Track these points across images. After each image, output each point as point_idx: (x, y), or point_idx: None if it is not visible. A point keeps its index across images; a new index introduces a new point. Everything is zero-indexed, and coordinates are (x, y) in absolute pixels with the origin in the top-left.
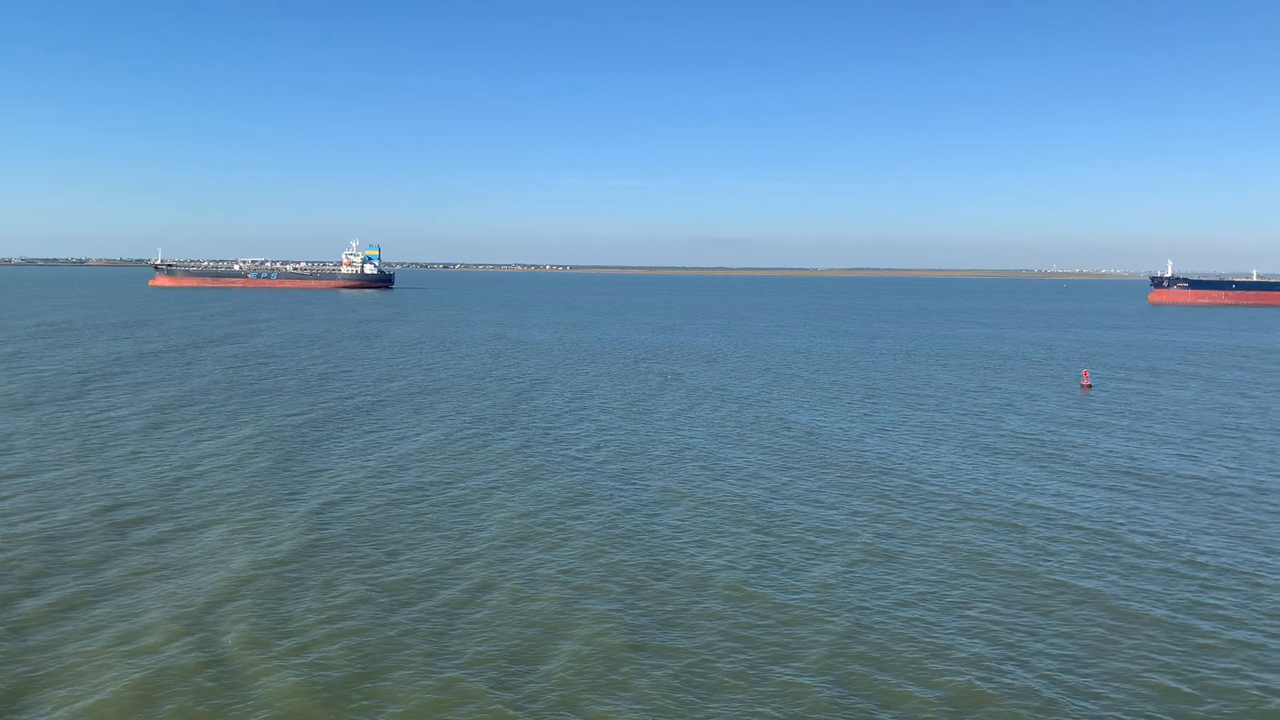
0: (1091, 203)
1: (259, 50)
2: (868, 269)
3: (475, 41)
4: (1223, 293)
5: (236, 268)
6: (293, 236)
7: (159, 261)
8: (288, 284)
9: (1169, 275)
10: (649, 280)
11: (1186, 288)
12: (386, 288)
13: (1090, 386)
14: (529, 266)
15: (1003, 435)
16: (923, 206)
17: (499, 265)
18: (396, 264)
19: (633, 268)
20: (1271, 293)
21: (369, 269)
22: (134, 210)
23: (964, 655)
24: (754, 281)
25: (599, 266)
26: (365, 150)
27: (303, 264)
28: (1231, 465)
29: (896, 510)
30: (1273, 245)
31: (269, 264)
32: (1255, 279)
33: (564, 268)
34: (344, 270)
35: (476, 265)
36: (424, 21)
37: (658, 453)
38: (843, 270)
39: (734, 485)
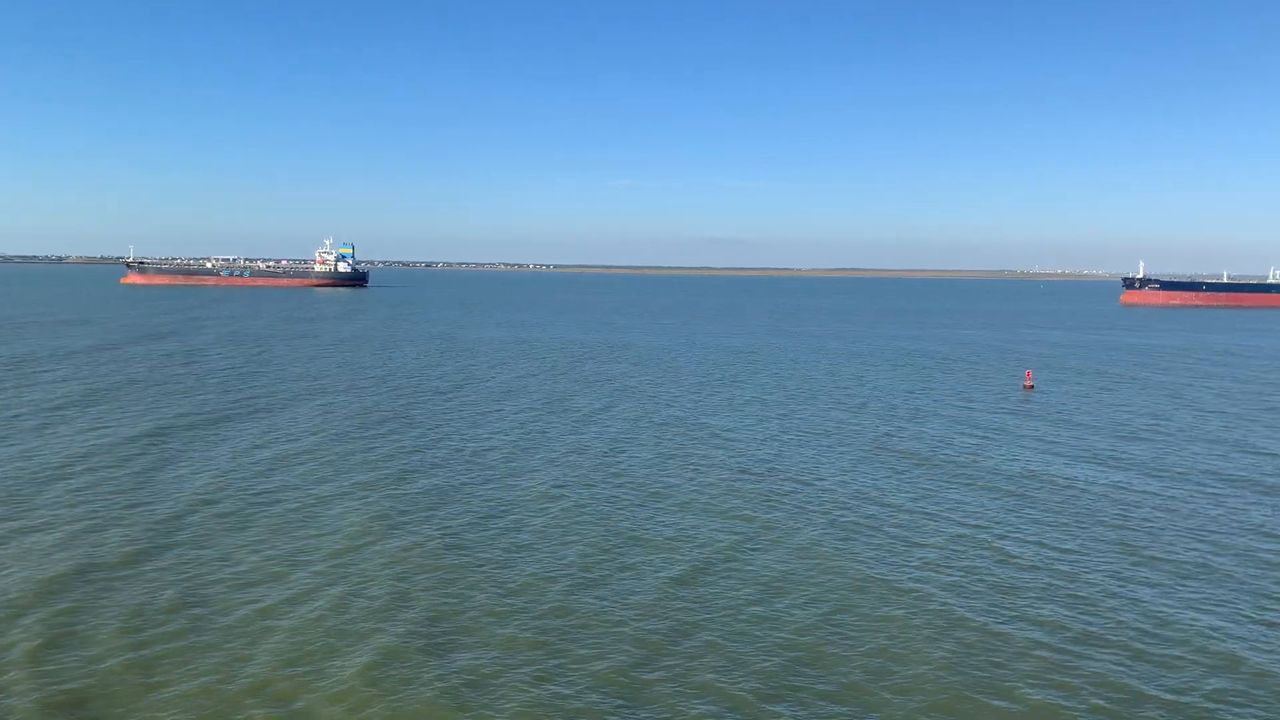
0: (1076, 205)
1: (240, 50)
2: (859, 269)
3: (465, 41)
4: (1193, 294)
5: (209, 265)
6: (269, 234)
7: (131, 259)
8: (260, 282)
9: (1140, 276)
10: (634, 280)
11: (1158, 289)
12: (360, 286)
13: (1032, 388)
14: (512, 265)
15: (910, 438)
16: (915, 208)
17: (483, 264)
18: (380, 262)
19: (622, 267)
20: (1241, 294)
21: (342, 267)
22: (115, 208)
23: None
24: (741, 281)
25: (587, 266)
26: (349, 149)
27: (276, 262)
28: (1125, 473)
29: (752, 511)
30: (1245, 247)
31: (242, 262)
32: (1226, 280)
33: (548, 267)
34: (317, 268)
35: (461, 264)
36: (414, 20)
37: (536, 454)
38: (834, 270)
39: (600, 487)
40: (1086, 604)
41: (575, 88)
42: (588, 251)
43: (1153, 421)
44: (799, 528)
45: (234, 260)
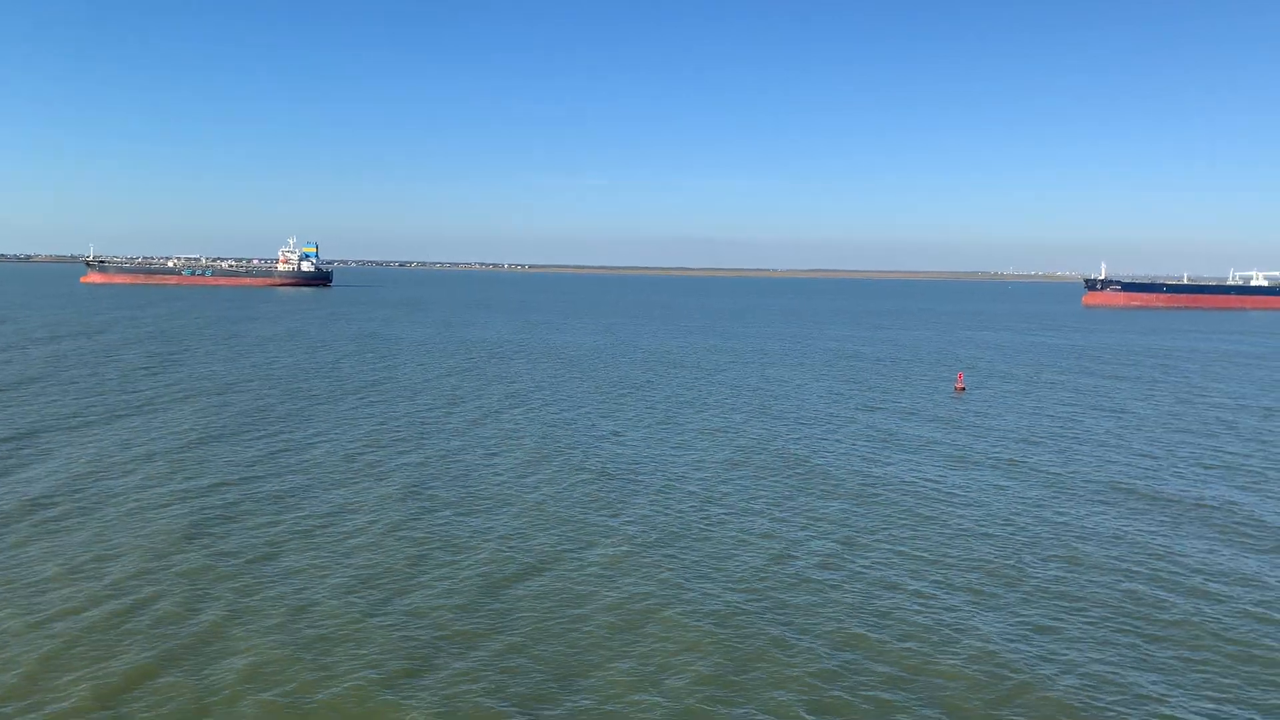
0: (1048, 206)
1: (209, 46)
2: (834, 270)
3: (438, 40)
4: (1154, 295)
5: (170, 264)
6: (237, 234)
7: (91, 257)
8: (223, 281)
9: (1102, 278)
10: (604, 279)
11: (1119, 290)
12: (324, 285)
13: (964, 389)
14: (487, 265)
15: (794, 442)
16: (891, 209)
17: (457, 264)
18: (354, 262)
19: (598, 267)
20: (1201, 295)
21: (306, 266)
22: (80, 205)
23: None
24: (711, 282)
25: (562, 266)
26: (320, 148)
27: (239, 261)
28: (1019, 481)
29: (576, 513)
30: (1211, 247)
31: (204, 261)
32: (1186, 282)
33: (523, 267)
34: (280, 268)
35: (435, 264)
36: (388, 18)
37: (385, 458)
38: (809, 271)
39: (436, 490)
40: (867, 606)
41: (550, 87)
42: (563, 252)
43: (1064, 425)
44: (613, 531)
45: (197, 259)
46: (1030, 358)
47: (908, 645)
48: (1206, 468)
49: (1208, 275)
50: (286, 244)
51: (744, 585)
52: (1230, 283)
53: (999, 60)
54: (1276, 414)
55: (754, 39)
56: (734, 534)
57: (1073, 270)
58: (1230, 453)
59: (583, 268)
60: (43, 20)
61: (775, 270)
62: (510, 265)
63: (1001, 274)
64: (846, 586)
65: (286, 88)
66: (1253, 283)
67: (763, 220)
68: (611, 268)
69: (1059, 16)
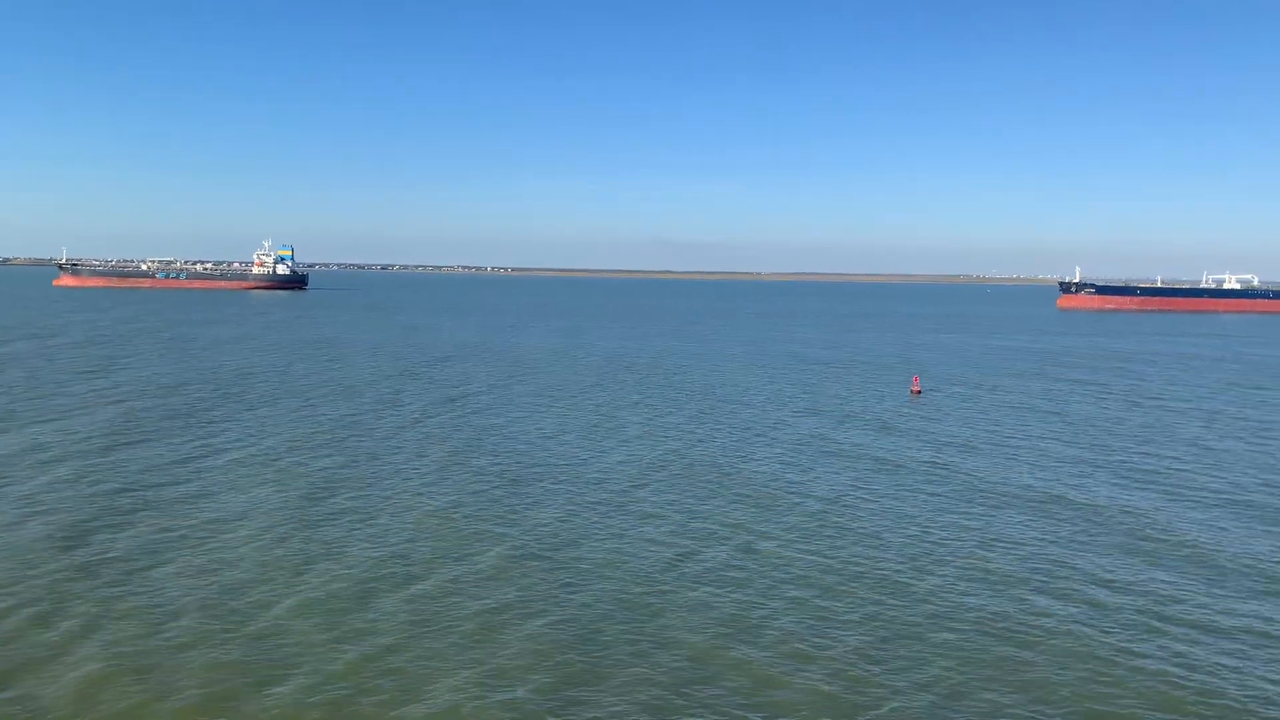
0: (1032, 210)
1: (191, 46)
2: (819, 273)
3: (423, 41)
4: (1128, 298)
5: (144, 268)
6: (214, 236)
7: (64, 260)
8: (198, 284)
9: (1077, 281)
10: (588, 283)
11: (1093, 293)
12: (299, 289)
13: (920, 392)
14: (471, 268)
15: (715, 447)
16: (876, 212)
17: (440, 267)
18: (335, 265)
19: (582, 270)
20: (1174, 298)
21: (281, 269)
22: (60, 209)
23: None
24: (691, 285)
25: (546, 269)
26: (302, 150)
27: (214, 264)
28: (940, 485)
29: (450, 516)
30: (1181, 250)
31: (178, 264)
32: (1160, 285)
33: (508, 270)
34: (255, 270)
35: (418, 267)
36: (371, 20)
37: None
38: (794, 274)
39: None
40: (746, 604)
41: (535, 90)
42: (548, 255)
43: (1006, 430)
44: (502, 538)
45: (171, 262)
46: (993, 361)
47: (767, 654)
48: (1132, 474)
49: (1182, 279)
50: (262, 246)
51: (616, 595)
52: (1203, 285)
53: (987, 63)
54: (1219, 418)
55: (743, 41)
56: (626, 542)
57: (1053, 274)
58: (1162, 458)
59: (567, 271)
60: (11, 18)
61: (760, 273)
62: (493, 268)
63: (984, 277)
64: (725, 595)
65: (267, 88)
66: (1225, 285)
67: (748, 224)
68: (596, 271)
69: (1045, 19)
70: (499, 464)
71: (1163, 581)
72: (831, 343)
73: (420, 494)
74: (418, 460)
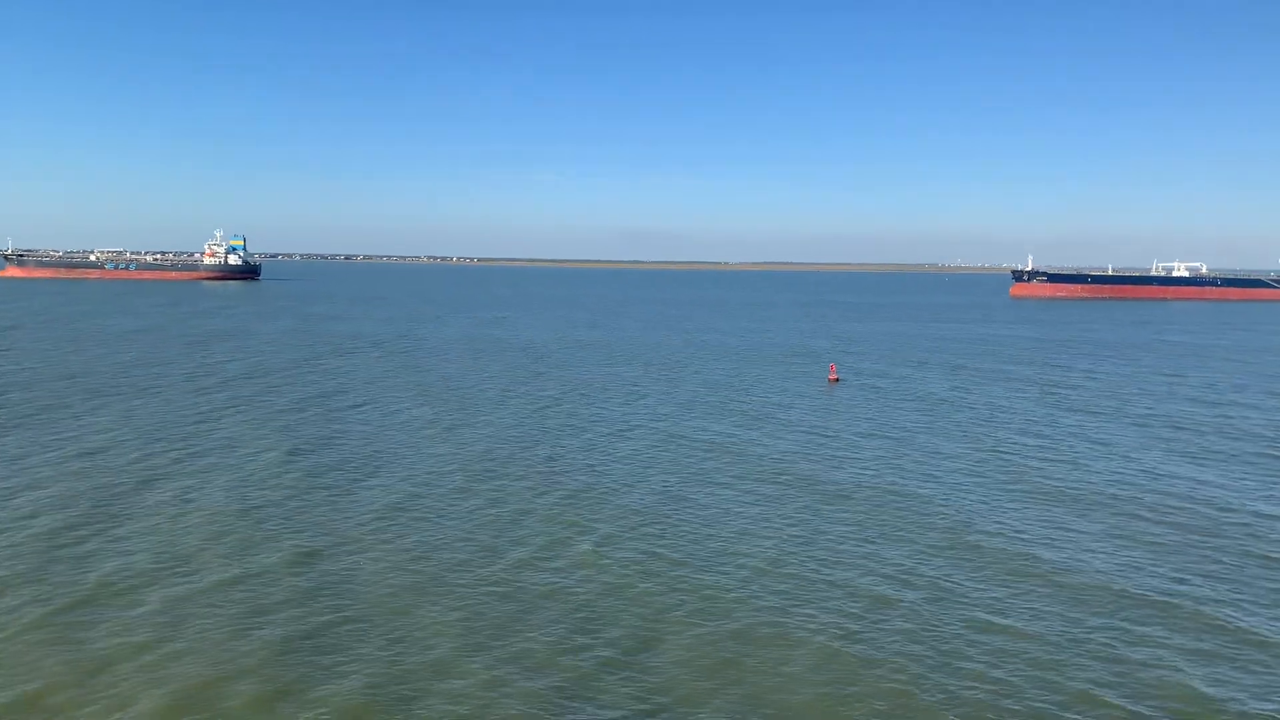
0: (993, 199)
1: (147, 28)
2: (783, 263)
3: (384, 30)
4: (1079, 286)
5: (93, 258)
6: (165, 226)
7: (9, 251)
8: (147, 275)
9: (1029, 269)
10: (546, 273)
11: (1045, 281)
12: (252, 279)
13: (837, 380)
14: (436, 258)
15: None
16: (843, 203)
17: (405, 257)
18: (298, 255)
19: (548, 260)
20: (1124, 286)
21: (233, 260)
22: (4, 199)
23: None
24: (656, 275)
25: (513, 259)
26: (265, 138)
27: (164, 255)
28: (788, 486)
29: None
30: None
31: (128, 255)
32: (1111, 273)
33: (473, 260)
34: (206, 261)
35: (382, 257)
36: (330, 8)
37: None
38: (759, 264)
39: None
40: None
41: (502, 79)
42: (516, 245)
43: (902, 423)
44: (279, 536)
45: (120, 253)
46: (925, 349)
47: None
48: (970, 469)
49: (1134, 266)
50: (213, 237)
51: (392, 600)
52: (1153, 273)
53: (947, 54)
54: (1124, 411)
55: (709, 31)
56: (423, 541)
57: (1013, 263)
58: (1046, 459)
59: (534, 261)
60: None
61: (728, 263)
62: (459, 258)
63: (946, 266)
64: (556, 598)
65: (228, 78)
66: (1174, 273)
67: (717, 214)
68: (561, 261)
69: (1003, 14)
70: (315, 458)
71: (931, 570)
72: (766, 331)
73: (210, 489)
74: (237, 454)
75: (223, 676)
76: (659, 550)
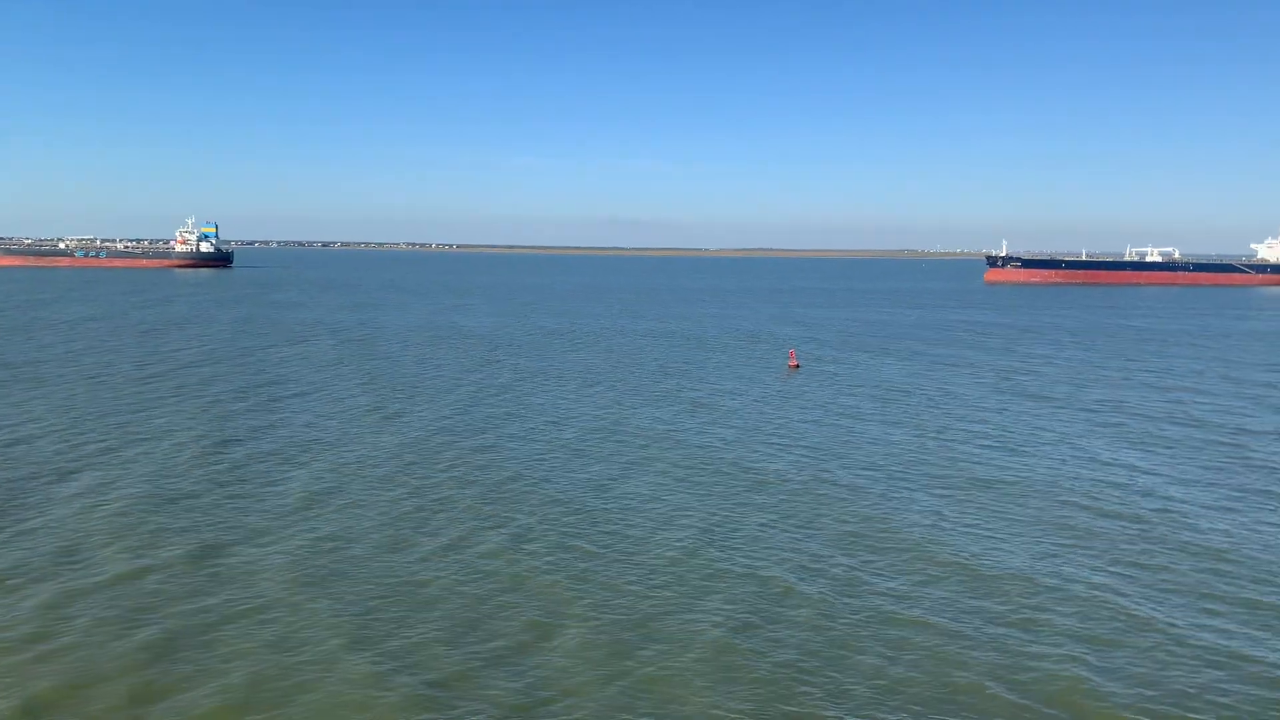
0: (975, 187)
1: (109, 18)
2: (763, 249)
3: (362, 18)
4: (1053, 271)
5: (62, 246)
6: (140, 214)
7: None
8: (118, 263)
9: (1004, 255)
10: (524, 259)
11: (1020, 267)
12: (224, 266)
13: (798, 367)
14: (415, 245)
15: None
16: (825, 190)
17: (384, 244)
18: (276, 242)
19: (529, 247)
20: (1098, 271)
21: (205, 247)
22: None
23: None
24: (634, 261)
25: (493, 246)
26: (238, 124)
27: (135, 242)
28: (793, 460)
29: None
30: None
31: (98, 242)
32: (1085, 258)
33: (452, 247)
34: (178, 249)
35: (362, 244)
36: None
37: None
38: (739, 250)
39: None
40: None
41: (480, 63)
42: (495, 232)
43: (855, 410)
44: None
45: (91, 240)
46: (890, 335)
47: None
48: (942, 462)
49: (1108, 252)
50: (185, 224)
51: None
52: (1126, 259)
53: (928, 45)
54: (1075, 398)
55: (693, 21)
56: (321, 532)
57: (991, 249)
58: (986, 446)
59: (513, 247)
60: None
61: (708, 250)
62: (438, 245)
63: (927, 252)
64: (460, 588)
65: (204, 64)
66: (1147, 259)
67: (699, 201)
68: (542, 247)
69: (980, 4)
70: (230, 444)
71: (845, 561)
72: (738, 316)
73: (116, 479)
74: (148, 444)
75: (97, 675)
76: (574, 542)
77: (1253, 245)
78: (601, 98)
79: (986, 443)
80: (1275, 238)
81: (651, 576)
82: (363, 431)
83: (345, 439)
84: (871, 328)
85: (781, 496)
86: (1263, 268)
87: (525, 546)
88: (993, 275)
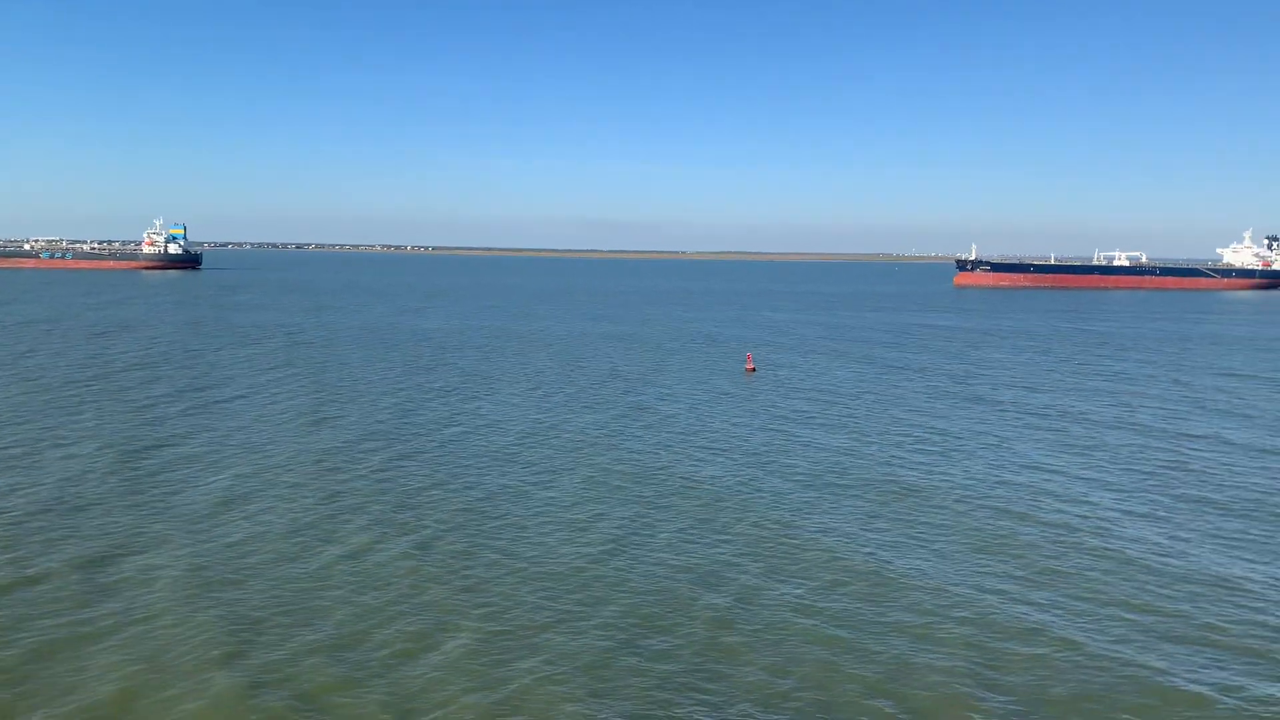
0: (947, 190)
1: (79, 15)
2: (739, 252)
3: (336, 18)
4: (1022, 275)
5: (27, 247)
6: (110, 216)
7: None
8: (84, 265)
9: (973, 259)
10: (498, 261)
11: (989, 270)
12: (192, 268)
13: (754, 370)
14: (390, 247)
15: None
16: (804, 193)
17: (359, 246)
18: (249, 244)
19: (505, 249)
20: (1066, 275)
21: (173, 249)
22: None
23: None
24: (610, 264)
25: (469, 248)
26: (207, 125)
27: (100, 243)
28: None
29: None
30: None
31: (64, 244)
32: (1053, 262)
33: (428, 249)
34: (145, 250)
35: (336, 246)
36: None
37: None
38: (715, 253)
39: None
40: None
41: (459, 64)
42: (472, 234)
43: (798, 415)
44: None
45: (57, 242)
46: (851, 339)
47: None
48: (872, 468)
49: (1077, 256)
50: (153, 225)
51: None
52: (1095, 263)
53: (905, 48)
54: (1020, 404)
55: (677, 19)
56: (233, 536)
57: (964, 253)
58: (920, 450)
59: (490, 250)
60: None
61: (685, 253)
62: (414, 247)
63: (902, 256)
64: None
65: (178, 64)
66: (1115, 263)
67: (676, 204)
68: (520, 250)
69: (955, 9)
70: (146, 445)
71: (746, 569)
72: (711, 319)
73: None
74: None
75: None
76: (481, 551)
77: (1219, 250)
78: (583, 100)
79: (921, 448)
80: (1241, 242)
81: (551, 586)
82: (291, 435)
83: (273, 443)
84: (833, 331)
85: (703, 503)
86: (1228, 272)
87: (429, 555)
88: (962, 279)
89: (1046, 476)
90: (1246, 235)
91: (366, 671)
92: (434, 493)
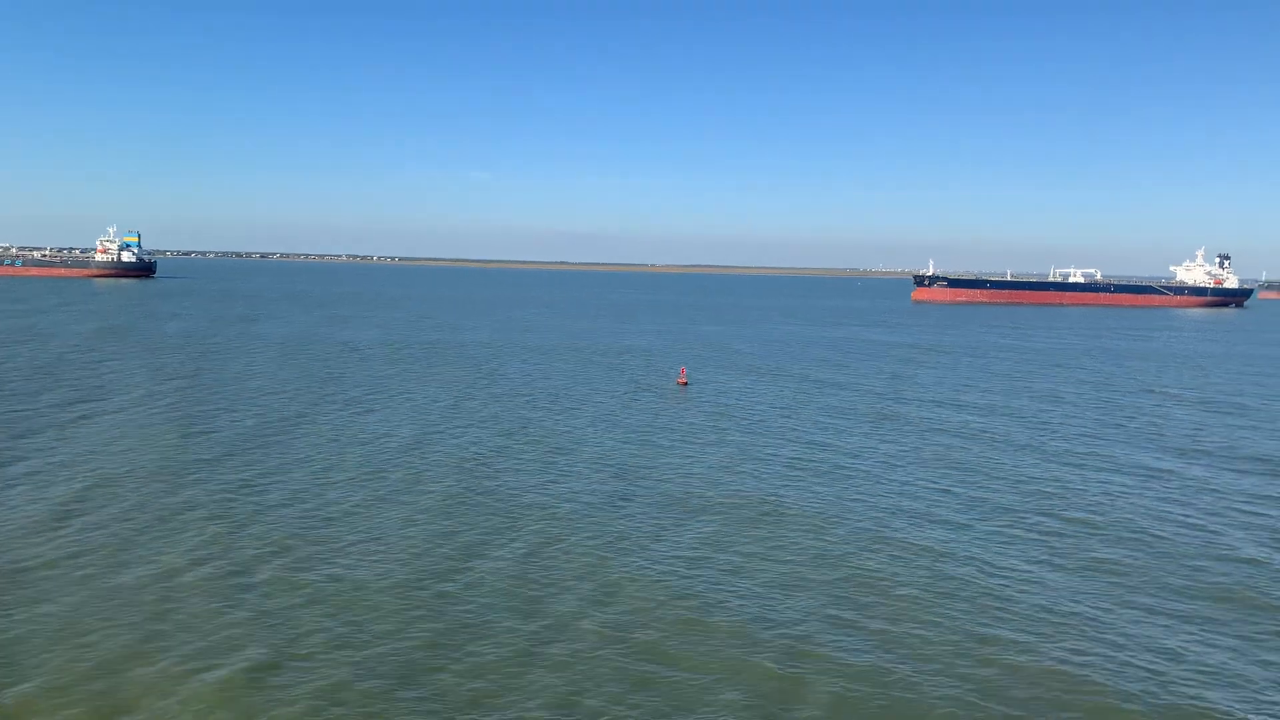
0: (915, 207)
1: (39, 17)
2: (707, 265)
3: (308, 27)
4: (979, 291)
5: None
6: (72, 223)
7: None
8: (35, 272)
9: (930, 274)
10: (464, 272)
11: (946, 286)
12: (146, 276)
13: (686, 384)
14: (357, 257)
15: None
16: (769, 208)
17: (324, 256)
18: (213, 253)
19: (475, 261)
20: (1021, 291)
21: (126, 256)
22: None
23: None
24: (578, 276)
25: (438, 259)
26: (168, 134)
27: (52, 251)
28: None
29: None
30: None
31: (14, 250)
32: (1010, 278)
33: (394, 259)
34: (98, 258)
35: (299, 255)
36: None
37: None
38: (683, 267)
39: None
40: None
41: (430, 75)
42: (442, 245)
43: (716, 427)
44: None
45: (7, 248)
46: (792, 354)
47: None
48: (774, 489)
49: (1035, 272)
50: (106, 233)
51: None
52: (1050, 279)
53: (874, 65)
54: (938, 422)
55: (650, 34)
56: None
57: (921, 268)
58: (815, 472)
59: (460, 261)
60: None
61: (653, 265)
62: (379, 257)
63: (868, 271)
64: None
65: (143, 70)
66: (1070, 279)
67: (647, 217)
68: (489, 261)
69: (907, 21)
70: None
71: (617, 592)
72: (646, 332)
73: None
74: None
75: None
76: (337, 572)
77: (1172, 268)
78: (551, 114)
79: (799, 467)
80: (1194, 260)
81: (339, 613)
82: (151, 447)
83: (126, 453)
84: (772, 347)
85: (557, 527)
86: (1180, 289)
87: (298, 575)
88: (919, 294)
89: (915, 500)
90: (1199, 253)
91: (113, 706)
92: (283, 511)
